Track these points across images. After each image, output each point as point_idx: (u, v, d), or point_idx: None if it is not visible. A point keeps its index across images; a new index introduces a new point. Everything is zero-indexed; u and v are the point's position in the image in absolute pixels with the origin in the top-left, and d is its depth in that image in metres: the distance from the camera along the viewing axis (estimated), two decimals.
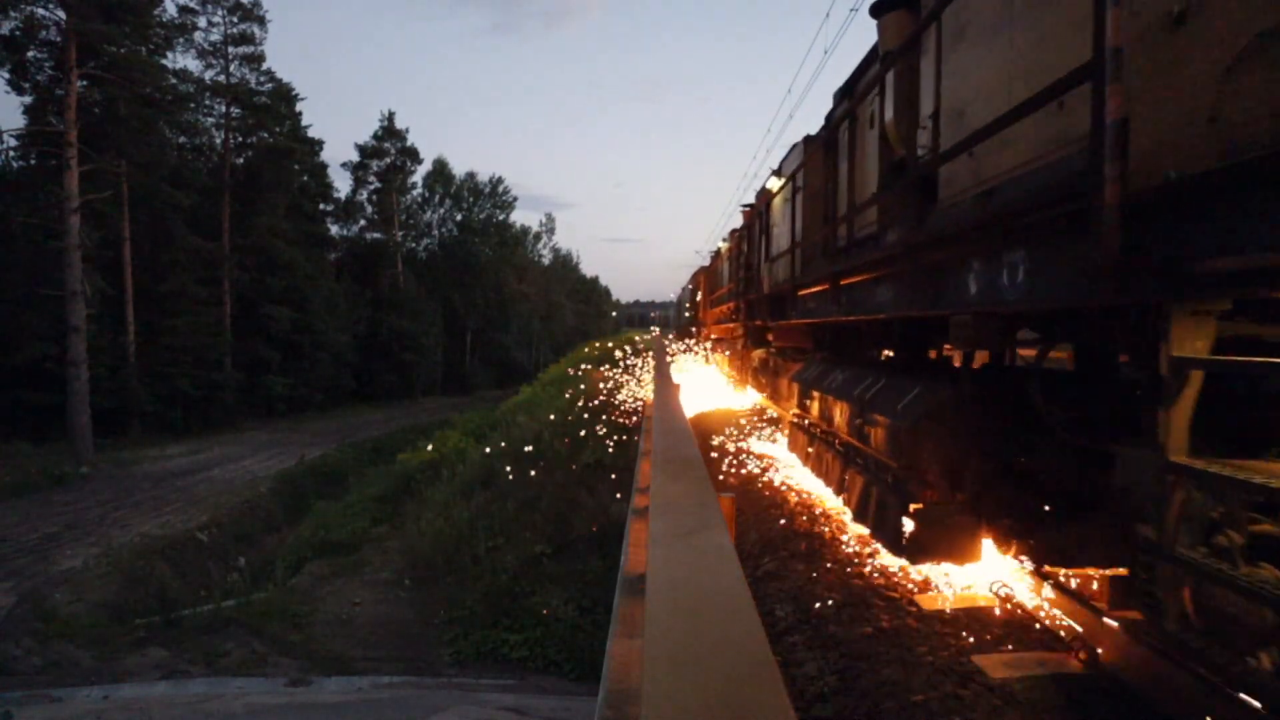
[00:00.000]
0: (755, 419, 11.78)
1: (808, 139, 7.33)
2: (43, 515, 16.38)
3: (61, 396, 23.24)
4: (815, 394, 6.17)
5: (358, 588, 12.14)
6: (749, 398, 13.89)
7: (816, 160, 6.57)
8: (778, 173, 8.69)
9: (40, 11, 24.14)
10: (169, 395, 28.94)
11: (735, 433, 10.74)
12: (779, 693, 1.14)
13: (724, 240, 19.52)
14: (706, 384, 16.99)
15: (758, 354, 12.04)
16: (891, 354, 5.89)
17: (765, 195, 10.10)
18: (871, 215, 4.88)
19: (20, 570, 12.89)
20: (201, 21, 33.97)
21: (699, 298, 27.12)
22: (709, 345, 21.86)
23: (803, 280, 6.71)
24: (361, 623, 10.85)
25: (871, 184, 4.84)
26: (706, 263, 27.82)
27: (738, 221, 22.47)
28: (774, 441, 9.94)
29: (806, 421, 6.80)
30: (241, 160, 36.70)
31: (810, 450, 6.50)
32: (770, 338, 10.00)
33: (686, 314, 35.52)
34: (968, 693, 3.00)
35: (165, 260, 29.71)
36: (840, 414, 5.24)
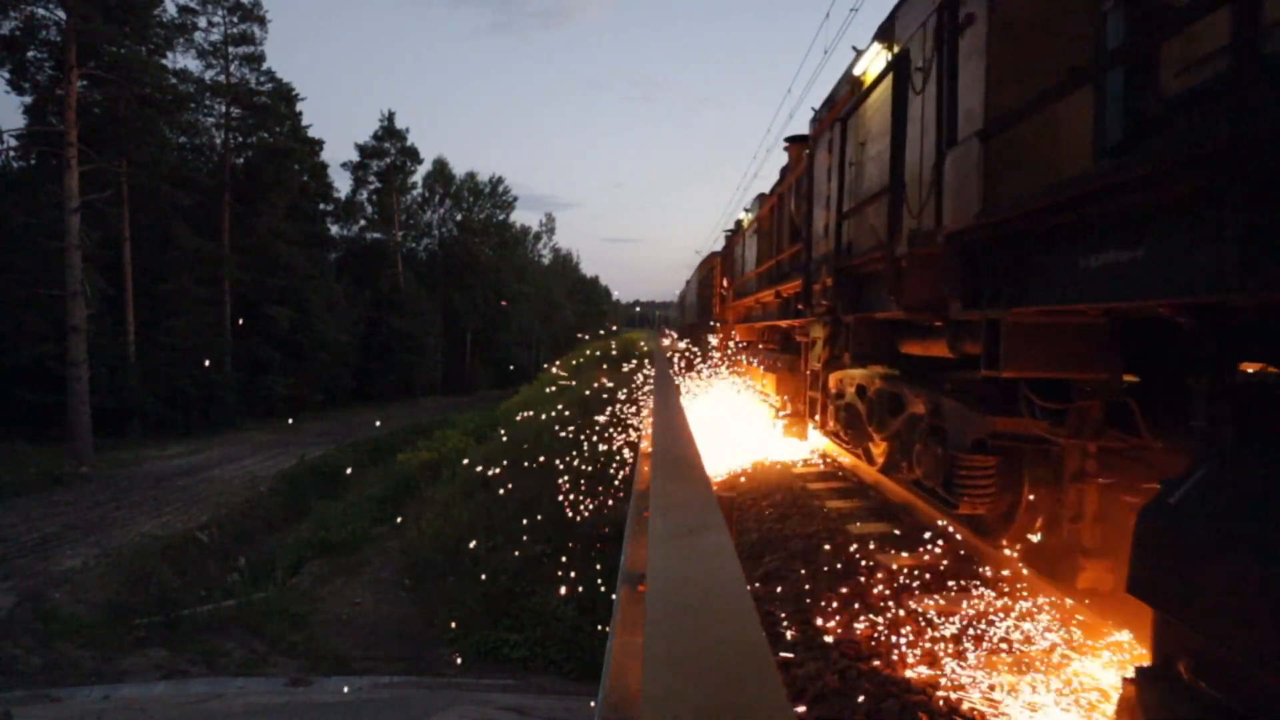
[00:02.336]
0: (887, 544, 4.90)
1: None
2: (43, 515, 16.38)
3: (61, 396, 23.24)
4: None
5: (358, 588, 12.16)
6: (809, 443, 8.53)
7: None
8: (886, 37, 4.88)
9: (40, 11, 24.19)
10: (169, 395, 28.95)
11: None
12: (778, 692, 1.14)
13: (746, 210, 14.22)
14: (731, 414, 10.64)
15: (848, 379, 6.42)
16: None
17: (853, 87, 5.92)
18: None
19: (20, 570, 12.89)
20: (201, 21, 34.02)
21: (714, 290, 20.71)
22: (727, 349, 15.39)
23: None
24: (361, 623, 10.87)
25: None
26: (715, 256, 22.07)
27: (722, 242, 17.98)
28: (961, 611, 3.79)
29: None
30: (241, 160, 36.72)
31: None
32: (918, 349, 4.89)
33: (694, 312, 28.13)
34: None
35: (165, 260, 29.73)
36: None
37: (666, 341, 30.38)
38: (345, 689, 8.89)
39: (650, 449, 4.20)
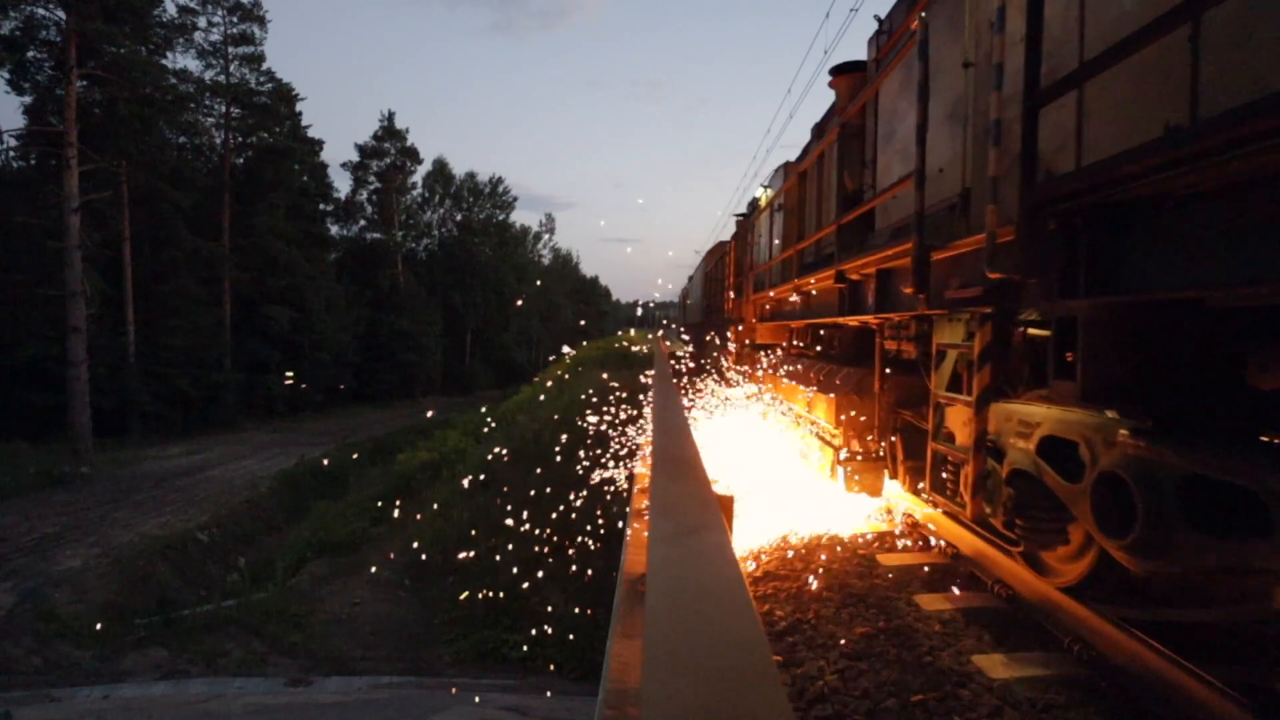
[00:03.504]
0: None
1: None
2: (43, 515, 16.38)
3: (61, 396, 23.24)
4: None
5: (358, 588, 12.16)
6: (876, 500, 5.85)
7: None
8: None
9: (40, 11, 24.19)
10: (169, 395, 28.97)
11: None
12: (778, 693, 1.14)
13: (764, 186, 11.50)
14: (757, 452, 7.84)
15: (1019, 424, 3.28)
16: None
17: None
18: None
19: (20, 570, 12.88)
20: (201, 21, 34.09)
21: (725, 284, 17.15)
22: (749, 357, 11.96)
23: None
24: (361, 623, 10.86)
25: None
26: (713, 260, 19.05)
27: (730, 229, 16.39)
28: None
29: None
30: (241, 160, 36.75)
31: None
32: None
33: (699, 311, 23.72)
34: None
35: (165, 260, 29.74)
36: None
37: (666, 344, 27.40)
38: (345, 689, 8.89)
39: (650, 449, 4.20)
